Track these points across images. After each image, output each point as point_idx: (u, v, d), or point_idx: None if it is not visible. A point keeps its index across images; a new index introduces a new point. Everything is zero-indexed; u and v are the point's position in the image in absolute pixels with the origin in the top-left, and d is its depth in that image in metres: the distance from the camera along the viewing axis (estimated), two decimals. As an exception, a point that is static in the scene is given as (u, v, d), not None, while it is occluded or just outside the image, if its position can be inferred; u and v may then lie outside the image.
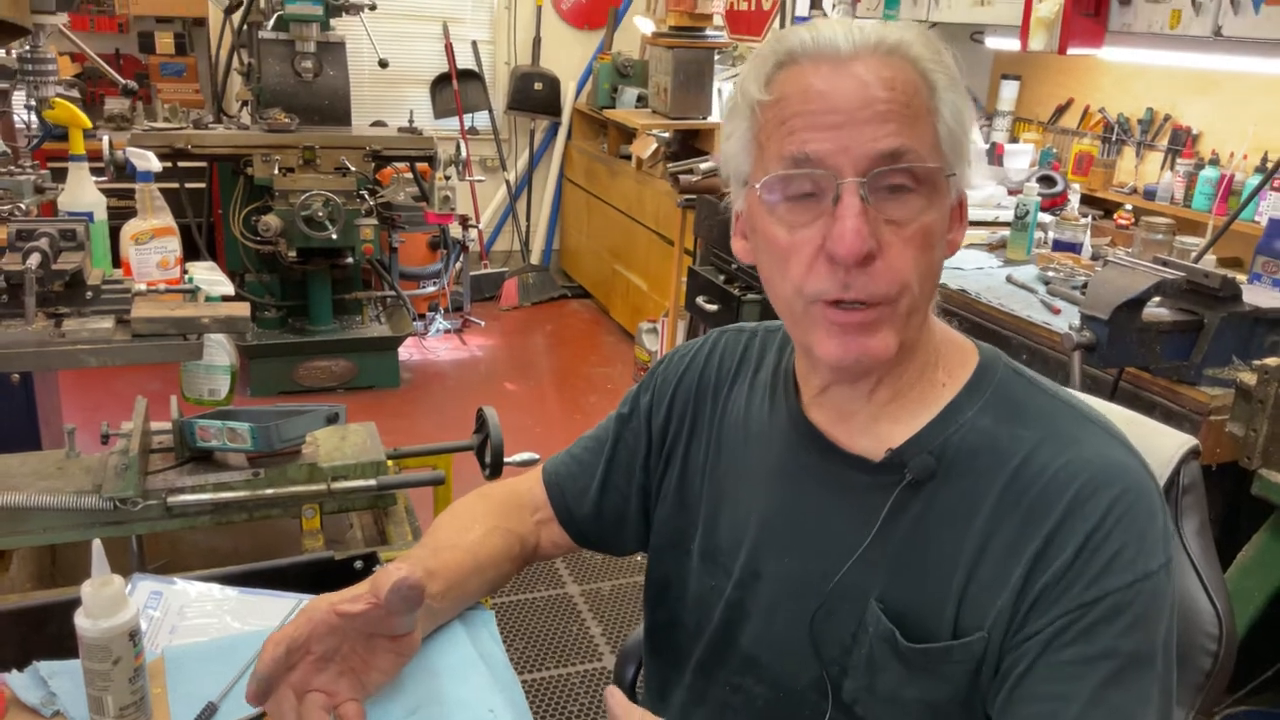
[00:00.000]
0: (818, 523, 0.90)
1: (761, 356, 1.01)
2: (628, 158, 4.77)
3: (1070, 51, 2.54)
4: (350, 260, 3.97)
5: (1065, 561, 0.77)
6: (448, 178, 4.08)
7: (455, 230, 4.62)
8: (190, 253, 2.75)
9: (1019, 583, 0.79)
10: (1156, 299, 1.81)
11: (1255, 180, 2.57)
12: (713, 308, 3.13)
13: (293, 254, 3.77)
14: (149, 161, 1.88)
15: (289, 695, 0.79)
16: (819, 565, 0.88)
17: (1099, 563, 0.77)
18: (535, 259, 5.75)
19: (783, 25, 3.53)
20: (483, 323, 5.03)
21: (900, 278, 0.78)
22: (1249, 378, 1.66)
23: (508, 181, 5.61)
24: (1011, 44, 2.75)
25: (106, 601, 0.77)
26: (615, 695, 0.71)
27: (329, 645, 0.81)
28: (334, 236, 3.69)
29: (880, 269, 0.78)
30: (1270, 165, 2.62)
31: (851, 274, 0.77)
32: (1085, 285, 2.15)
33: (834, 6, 3.15)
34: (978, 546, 0.81)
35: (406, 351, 4.46)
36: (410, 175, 4.20)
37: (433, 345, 4.74)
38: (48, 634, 0.96)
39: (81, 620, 0.77)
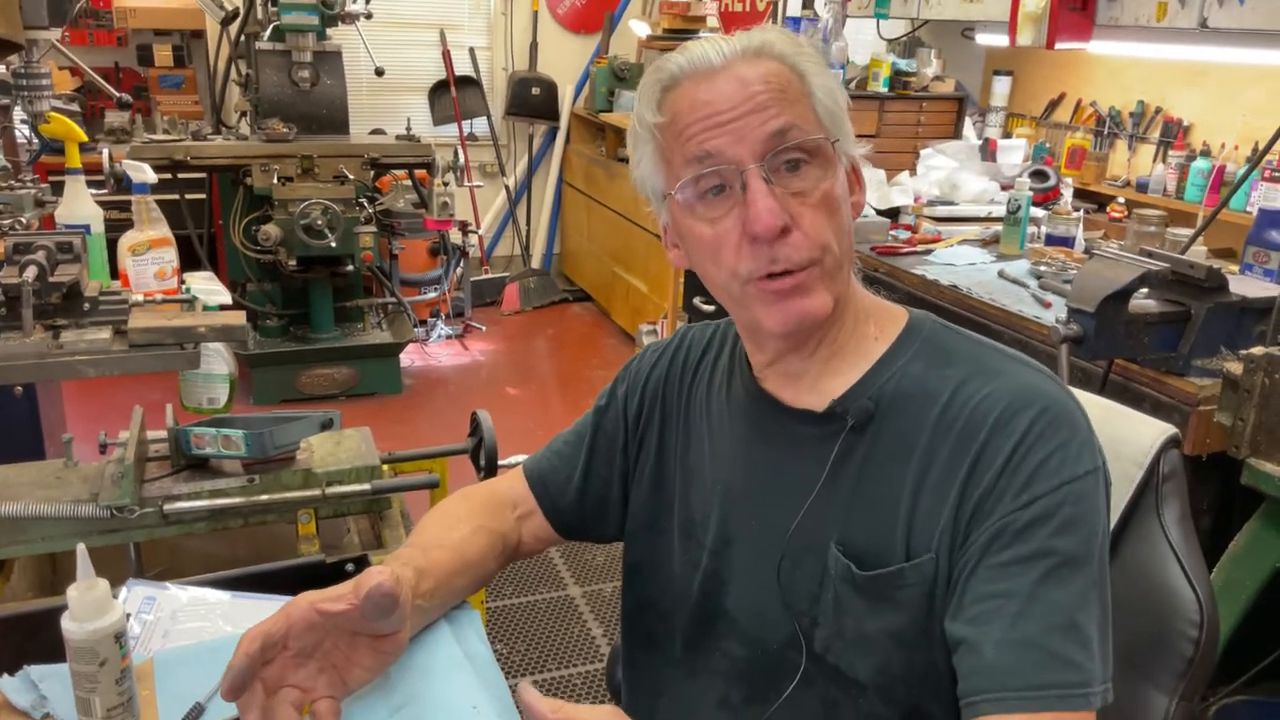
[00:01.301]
0: (775, 480, 0.96)
1: (721, 346, 1.08)
2: (625, 160, 4.78)
3: (1058, 46, 2.55)
4: (350, 268, 4.00)
5: (994, 475, 0.84)
6: (446, 184, 4.10)
7: (455, 236, 4.64)
8: (191, 263, 2.77)
9: (955, 502, 0.86)
10: (1144, 291, 1.82)
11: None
12: (709, 308, 3.15)
13: (293, 263, 3.80)
14: (144, 173, 1.90)
15: (258, 689, 0.80)
16: (780, 520, 0.94)
17: (1025, 472, 0.83)
18: (536, 263, 5.77)
19: (776, 25, 3.54)
20: (484, 328, 5.05)
21: (818, 240, 0.87)
22: (1236, 367, 1.66)
23: (507, 187, 5.63)
24: (1002, 40, 2.76)
25: (92, 604, 0.78)
26: (527, 690, 0.74)
27: (307, 642, 0.82)
28: (333, 245, 3.71)
29: (798, 238, 0.86)
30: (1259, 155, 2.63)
31: (775, 248, 0.86)
32: (1076, 279, 2.16)
33: (825, 6, 3.16)
34: (917, 477, 0.88)
35: (408, 358, 4.48)
36: (409, 182, 4.23)
37: (434, 351, 4.76)
38: (42, 640, 0.98)
39: (68, 623, 0.79)
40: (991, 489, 0.83)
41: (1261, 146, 2.69)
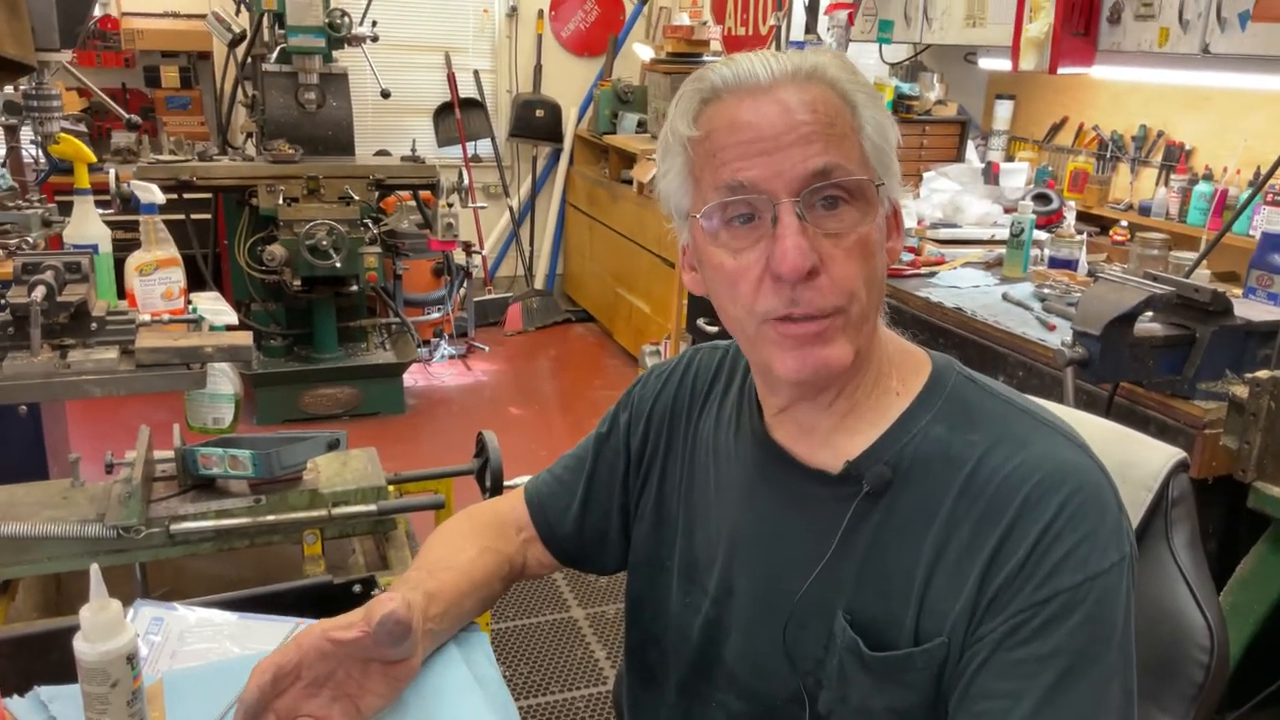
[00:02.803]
0: (784, 538, 0.92)
1: (731, 374, 1.03)
2: (629, 182, 4.82)
3: (1061, 71, 2.57)
4: (355, 288, 4.01)
5: (1018, 562, 0.79)
6: (450, 205, 4.12)
7: (459, 257, 4.66)
8: (196, 283, 2.78)
9: (975, 586, 0.80)
10: (1149, 314, 1.83)
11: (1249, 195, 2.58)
12: (713, 329, 3.14)
13: (298, 283, 3.81)
14: (152, 194, 1.91)
15: None
16: (788, 580, 0.90)
17: (1050, 562, 0.78)
18: (539, 284, 5.78)
19: (779, 49, 3.57)
20: (487, 348, 5.06)
21: (846, 288, 0.81)
22: (1241, 391, 1.67)
23: (511, 208, 5.66)
24: (1005, 64, 2.78)
25: (104, 625, 0.78)
26: None
27: (320, 671, 0.82)
28: (338, 265, 3.72)
29: (825, 282, 0.80)
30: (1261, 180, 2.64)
31: (798, 290, 0.80)
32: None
33: (828, 30, 3.18)
34: (934, 553, 0.83)
35: (411, 378, 4.48)
36: (413, 203, 4.25)
37: (437, 371, 4.77)
38: (50, 660, 0.98)
39: (80, 644, 0.79)
40: (1014, 577, 0.79)
41: (1263, 171, 2.70)
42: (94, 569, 0.79)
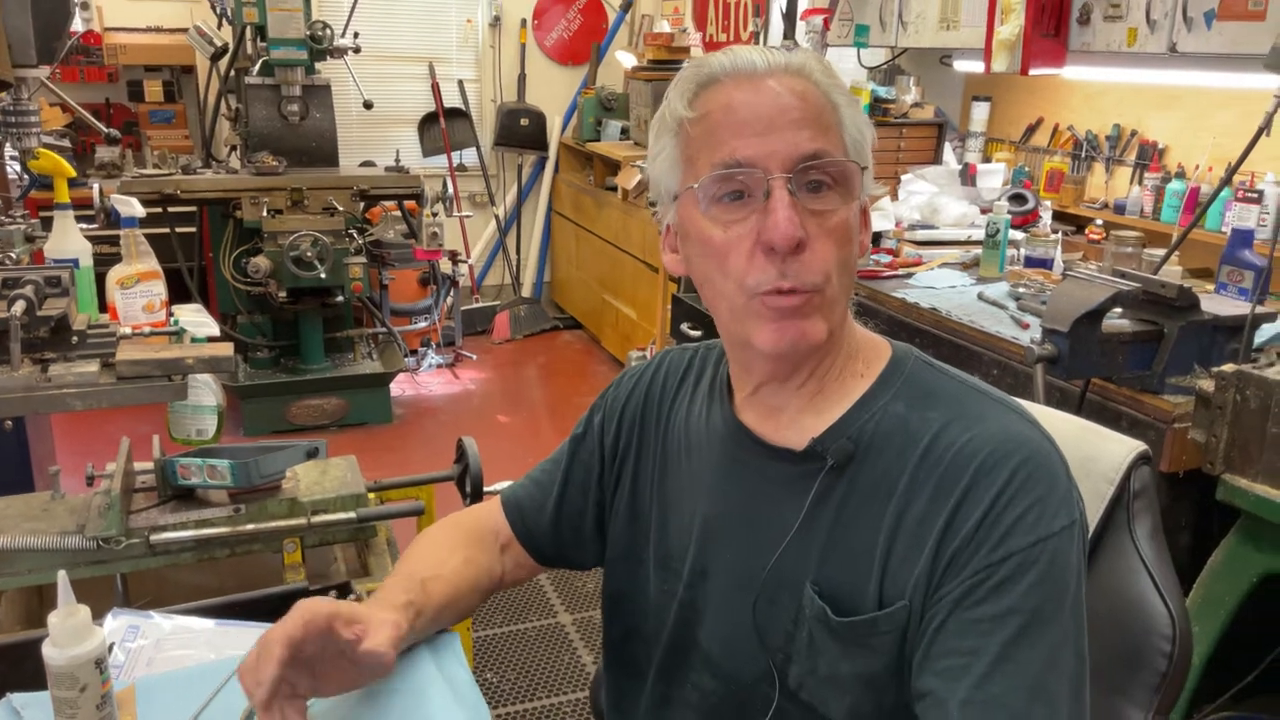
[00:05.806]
0: (753, 515, 0.95)
1: (701, 370, 1.07)
2: (613, 189, 4.84)
3: (1032, 71, 2.59)
4: (340, 299, 4.02)
5: (972, 526, 0.83)
6: (435, 214, 4.14)
7: (445, 265, 4.67)
8: (182, 296, 2.79)
9: (932, 550, 0.85)
10: (1118, 310, 1.85)
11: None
12: (697, 333, 3.17)
13: (283, 294, 3.82)
14: (132, 207, 1.92)
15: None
16: (757, 556, 0.94)
17: (1003, 525, 0.82)
18: (526, 291, 5.79)
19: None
20: (475, 356, 5.07)
21: (824, 267, 0.86)
22: (1208, 385, 1.69)
23: (497, 216, 5.67)
24: (979, 66, 2.81)
25: (72, 631, 0.79)
26: None
27: (312, 649, 0.84)
28: (323, 276, 3.73)
29: (809, 258, 0.85)
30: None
31: (787, 263, 0.84)
32: (1053, 300, 2.18)
33: (805, 35, 3.21)
34: (894, 521, 0.87)
35: (399, 387, 4.49)
36: (399, 213, 4.26)
37: (425, 380, 4.78)
38: (25, 670, 0.99)
39: (48, 649, 0.80)
40: (969, 541, 0.83)
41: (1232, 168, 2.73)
42: (61, 575, 0.80)
